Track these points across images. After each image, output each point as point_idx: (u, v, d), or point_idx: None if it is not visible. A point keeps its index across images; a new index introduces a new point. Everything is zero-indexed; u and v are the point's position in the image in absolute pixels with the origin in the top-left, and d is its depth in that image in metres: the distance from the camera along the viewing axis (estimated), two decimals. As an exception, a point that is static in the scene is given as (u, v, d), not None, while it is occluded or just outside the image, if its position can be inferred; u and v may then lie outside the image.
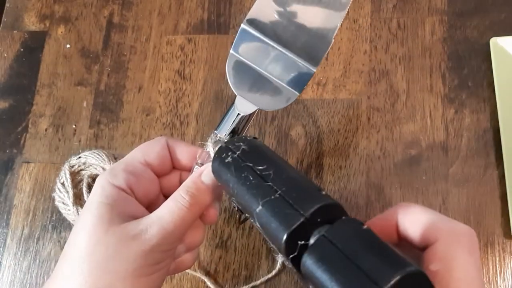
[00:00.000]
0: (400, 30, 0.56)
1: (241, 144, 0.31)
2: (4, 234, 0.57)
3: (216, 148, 0.33)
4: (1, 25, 0.66)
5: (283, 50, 0.35)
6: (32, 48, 0.64)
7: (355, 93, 0.55)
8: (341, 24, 0.36)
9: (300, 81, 0.35)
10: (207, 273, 0.51)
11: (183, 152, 0.36)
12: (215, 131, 0.35)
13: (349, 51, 0.57)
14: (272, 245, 0.28)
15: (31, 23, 0.65)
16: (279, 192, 0.27)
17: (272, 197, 0.27)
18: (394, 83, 0.55)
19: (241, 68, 0.36)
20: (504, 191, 0.49)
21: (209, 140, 0.35)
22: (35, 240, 0.56)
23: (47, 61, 0.63)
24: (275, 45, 0.35)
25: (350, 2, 0.36)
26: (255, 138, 0.33)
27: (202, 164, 0.35)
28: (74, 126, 0.60)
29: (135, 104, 0.59)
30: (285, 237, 0.25)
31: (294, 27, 0.36)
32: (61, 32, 0.64)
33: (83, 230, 0.31)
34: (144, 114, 0.59)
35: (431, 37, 0.55)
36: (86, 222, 0.31)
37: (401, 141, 0.53)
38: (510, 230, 0.47)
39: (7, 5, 0.67)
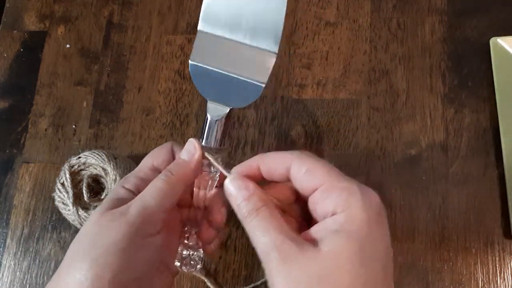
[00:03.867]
0: (400, 30, 0.56)
1: None
2: (4, 234, 0.57)
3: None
4: (1, 25, 0.66)
5: (242, 41, 0.36)
6: (32, 48, 0.64)
7: (355, 93, 0.55)
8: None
9: (263, 69, 0.35)
10: (207, 273, 0.51)
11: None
12: (202, 142, 0.36)
13: (349, 51, 0.57)
14: None
15: (31, 23, 0.65)
16: None
17: None
18: (394, 83, 0.55)
19: (204, 74, 0.36)
20: (504, 191, 0.48)
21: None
22: (35, 240, 0.56)
23: (47, 61, 0.63)
24: (233, 38, 0.36)
25: None
26: None
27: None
28: (74, 126, 0.60)
29: (135, 104, 0.59)
30: None
31: (246, 15, 0.36)
32: (61, 32, 0.64)
33: (89, 217, 0.35)
34: (144, 114, 0.59)
35: (431, 37, 0.55)
36: (93, 212, 0.36)
37: (401, 141, 0.53)
38: (510, 230, 0.47)
39: (7, 5, 0.67)
